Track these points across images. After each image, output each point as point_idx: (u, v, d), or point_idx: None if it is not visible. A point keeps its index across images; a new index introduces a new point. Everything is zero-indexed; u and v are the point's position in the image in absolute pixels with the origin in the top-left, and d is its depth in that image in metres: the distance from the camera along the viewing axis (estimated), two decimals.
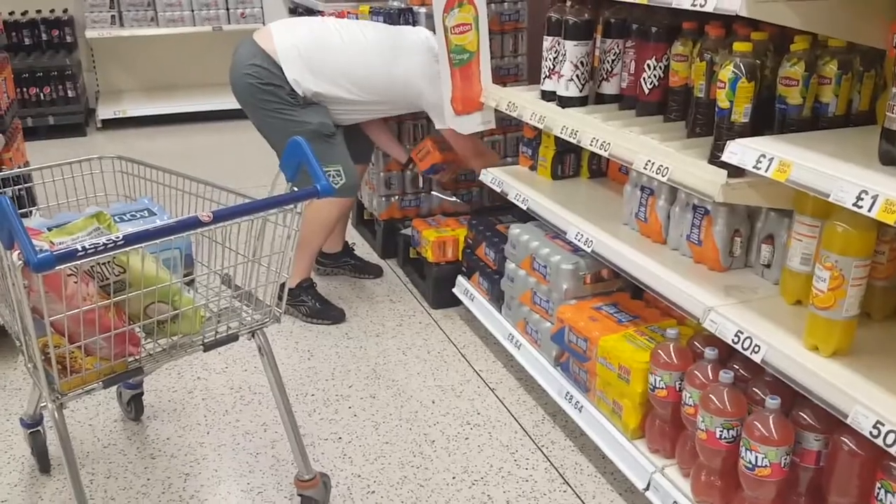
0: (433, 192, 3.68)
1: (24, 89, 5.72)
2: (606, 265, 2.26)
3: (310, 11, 5.10)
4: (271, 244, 1.83)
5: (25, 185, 2.25)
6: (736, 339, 1.70)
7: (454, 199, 3.68)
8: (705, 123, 1.97)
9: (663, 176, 1.92)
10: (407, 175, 3.63)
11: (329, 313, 3.19)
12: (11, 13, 5.84)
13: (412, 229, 3.45)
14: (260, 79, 2.93)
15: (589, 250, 2.28)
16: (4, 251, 1.40)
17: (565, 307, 2.36)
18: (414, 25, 3.46)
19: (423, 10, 3.41)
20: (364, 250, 3.84)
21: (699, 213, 2.04)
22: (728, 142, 1.67)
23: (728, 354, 1.87)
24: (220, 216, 1.53)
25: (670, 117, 2.19)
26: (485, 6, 2.82)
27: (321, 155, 2.97)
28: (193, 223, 1.48)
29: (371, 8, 3.51)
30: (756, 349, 1.65)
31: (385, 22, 3.44)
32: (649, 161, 1.97)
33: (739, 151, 1.63)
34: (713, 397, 1.73)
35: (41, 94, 5.84)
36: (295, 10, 5.73)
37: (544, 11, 2.57)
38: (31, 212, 2.41)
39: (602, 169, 2.86)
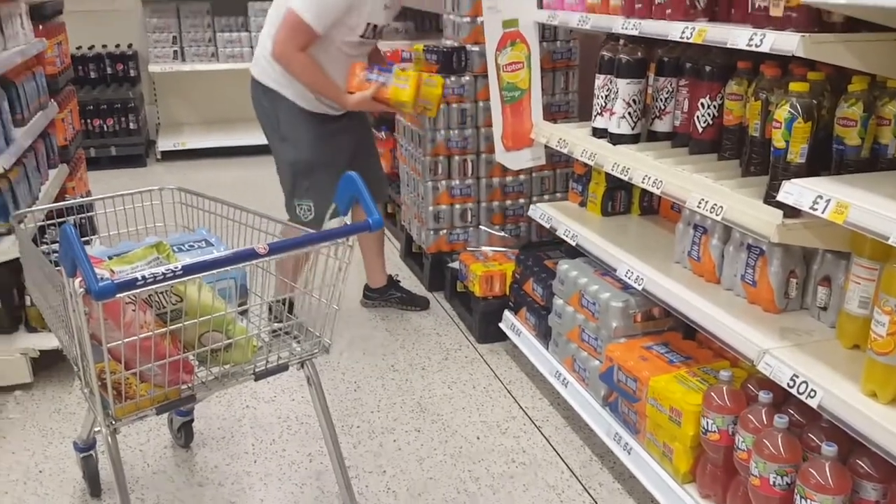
0: (481, 227, 3.69)
1: (89, 121, 5.94)
2: (658, 304, 2.23)
3: None
4: (322, 275, 1.86)
5: (87, 213, 2.32)
6: (791, 383, 1.66)
7: (502, 233, 3.68)
8: (760, 162, 1.95)
9: (717, 215, 1.89)
10: (455, 209, 3.65)
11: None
12: (79, 48, 6.09)
13: (460, 263, 3.46)
14: (256, 109, 3.07)
15: (640, 288, 2.26)
16: (67, 278, 1.44)
17: (615, 346, 2.33)
18: (466, 65, 3.51)
19: (475, 48, 3.46)
20: (412, 283, 3.86)
21: (754, 253, 2.01)
22: (784, 182, 1.64)
23: (783, 398, 1.82)
24: (275, 248, 1.56)
25: (724, 156, 2.17)
26: (537, 45, 2.85)
27: (295, 188, 3.03)
28: (250, 255, 1.51)
29: (425, 46, 3.57)
30: (812, 394, 1.61)
31: (438, 61, 3.50)
32: (703, 199, 1.95)
33: (795, 192, 1.61)
34: (767, 442, 1.69)
35: (104, 126, 6.06)
36: None
37: (596, 50, 2.58)
38: (91, 240, 2.49)
39: (654, 206, 2.83)
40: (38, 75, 3.57)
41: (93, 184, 4.58)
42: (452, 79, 3.51)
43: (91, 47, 6.27)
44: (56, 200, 3.54)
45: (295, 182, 3.05)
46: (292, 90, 2.97)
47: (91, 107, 5.97)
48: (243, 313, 1.89)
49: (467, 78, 3.52)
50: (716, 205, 1.90)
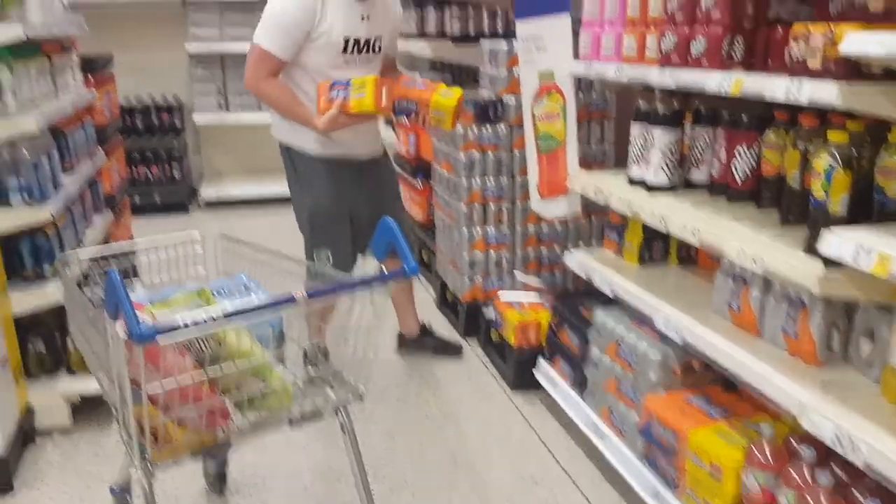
0: (516, 274, 3.69)
1: (135, 169, 6.12)
2: (697, 356, 2.19)
3: None
4: (358, 322, 1.86)
5: (130, 259, 2.38)
6: (835, 440, 1.61)
7: (538, 281, 3.67)
8: (800, 213, 1.93)
9: (757, 265, 1.87)
10: (491, 256, 3.66)
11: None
12: (127, 98, 6.29)
13: (494, 311, 3.46)
14: (282, 160, 3.11)
15: (678, 339, 2.23)
16: (109, 322, 1.47)
17: (653, 398, 2.29)
18: (502, 116, 3.55)
19: (512, 99, 3.51)
20: (446, 330, 3.85)
21: (795, 304, 1.97)
22: (824, 233, 1.62)
23: (826, 454, 1.77)
24: (313, 295, 1.58)
25: (763, 205, 2.15)
26: (573, 96, 2.87)
27: (313, 237, 2.98)
28: (288, 301, 1.53)
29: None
30: (857, 451, 1.56)
31: (475, 112, 3.55)
32: (742, 249, 1.93)
33: (836, 243, 1.59)
34: (811, 500, 1.64)
35: (149, 174, 6.23)
36: None
37: (632, 100, 2.60)
38: (134, 284, 2.53)
39: (692, 255, 2.81)
40: (88, 125, 3.69)
41: (136, 230, 4.68)
42: (488, 128, 3.56)
43: (139, 98, 6.48)
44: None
45: (312, 231, 3.05)
46: (301, 138, 2.97)
47: (137, 155, 6.15)
48: (280, 359, 1.91)
49: (503, 128, 3.57)
50: (755, 255, 1.88)
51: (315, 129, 2.84)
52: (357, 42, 2.89)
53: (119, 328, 1.40)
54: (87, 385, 2.97)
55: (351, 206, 3.04)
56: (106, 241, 3.83)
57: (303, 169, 3.02)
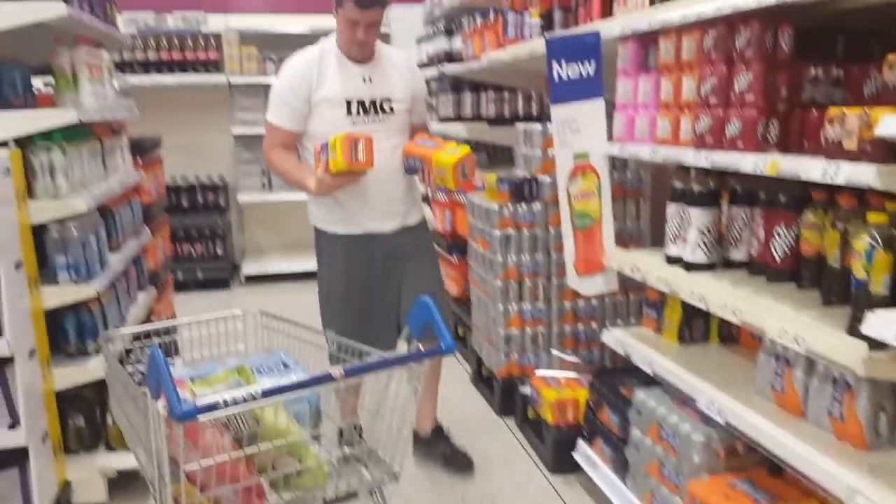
0: (553, 351, 3.66)
1: (179, 246, 6.27)
2: (741, 438, 2.14)
3: None
4: (394, 400, 1.86)
5: (172, 335, 2.41)
6: None
7: (575, 358, 3.64)
8: (841, 293, 1.91)
9: (800, 346, 1.84)
10: (527, 332, 3.64)
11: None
12: (174, 178, 6.51)
13: (531, 388, 3.42)
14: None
15: (722, 421, 2.18)
16: (151, 399, 1.50)
17: (697, 482, 2.23)
18: (537, 194, 3.59)
19: (547, 178, 3.56)
20: (481, 407, 3.80)
21: (839, 386, 1.92)
22: (867, 313, 1.60)
23: None
24: (350, 372, 1.59)
25: (803, 285, 2.13)
26: (608, 175, 2.91)
27: (322, 316, 2.98)
28: (326, 379, 1.54)
29: (497, 177, 3.69)
30: None
31: (510, 190, 3.60)
32: (784, 330, 1.90)
33: (880, 324, 1.56)
34: None
35: (193, 251, 6.38)
36: None
37: (666, 178, 2.62)
38: (175, 361, 2.57)
39: (733, 334, 2.77)
40: (135, 204, 3.81)
41: (178, 306, 4.77)
42: (524, 206, 3.60)
43: (185, 178, 6.69)
44: (143, 322, 3.69)
45: (322, 309, 3.03)
46: (317, 216, 3.00)
47: (182, 233, 6.32)
48: (316, 438, 1.90)
49: (538, 206, 3.60)
50: (797, 335, 1.85)
51: (309, 192, 2.86)
52: (361, 103, 2.87)
53: (160, 406, 1.42)
54: (124, 460, 2.98)
55: (372, 285, 2.97)
56: (149, 316, 3.90)
57: (322, 245, 3.04)
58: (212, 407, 1.38)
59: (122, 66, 6.08)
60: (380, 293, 2.99)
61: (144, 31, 6.28)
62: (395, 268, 3.01)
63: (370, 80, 2.88)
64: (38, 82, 2.95)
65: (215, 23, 6.49)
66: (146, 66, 6.33)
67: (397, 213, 3.00)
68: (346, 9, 2.75)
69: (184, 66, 6.36)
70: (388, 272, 2.99)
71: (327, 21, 6.60)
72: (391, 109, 2.92)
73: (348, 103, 2.85)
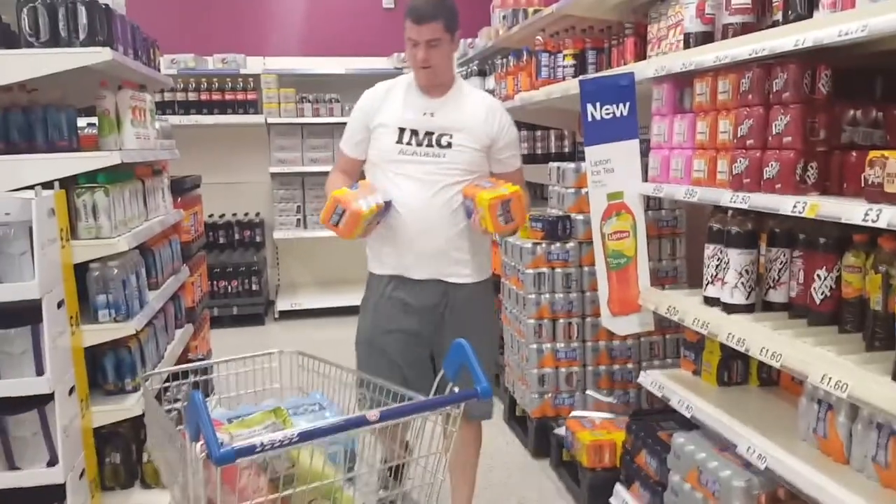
0: (588, 392, 3.62)
1: (215, 282, 6.35)
2: (783, 484, 2.09)
3: None
4: (429, 443, 1.85)
5: (208, 374, 2.44)
6: None
7: (610, 399, 3.59)
8: (885, 337, 1.86)
9: (842, 392, 1.80)
10: (560, 372, 3.60)
11: None
12: (211, 216, 6.62)
13: (566, 430, 3.38)
14: None
15: (762, 467, 2.13)
16: (189, 442, 1.51)
17: None
18: (570, 233, 3.58)
19: (580, 217, 3.55)
20: (515, 447, 3.76)
21: (884, 433, 1.87)
22: None
23: None
24: (385, 416, 1.58)
25: (845, 328, 2.08)
26: (643, 215, 2.90)
27: (357, 361, 2.72)
28: (361, 422, 1.54)
29: (530, 216, 3.70)
30: None
31: (544, 228, 3.60)
32: (826, 375, 1.86)
33: None
34: None
35: (229, 287, 6.46)
36: None
37: (702, 216, 2.60)
38: (211, 400, 2.58)
39: (773, 377, 2.72)
40: (174, 242, 3.88)
41: (213, 341, 4.81)
42: (557, 245, 3.59)
43: (222, 216, 6.80)
44: (179, 359, 3.74)
45: (357, 353, 2.80)
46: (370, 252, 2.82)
47: (218, 269, 6.40)
48: (350, 480, 1.89)
49: (572, 244, 3.60)
50: (840, 381, 1.81)
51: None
52: (415, 133, 2.65)
53: (199, 448, 1.43)
54: (159, 498, 2.99)
55: (403, 331, 2.71)
56: (185, 353, 3.94)
57: (368, 284, 2.85)
58: (249, 450, 1.38)
59: (164, 107, 6.24)
60: (412, 345, 2.73)
61: (185, 72, 6.45)
62: (429, 324, 2.71)
63: (432, 115, 2.67)
64: (81, 122, 3.03)
65: (253, 65, 6.66)
66: (187, 107, 6.49)
67: (436, 263, 2.66)
68: (406, 27, 2.63)
69: (223, 107, 6.52)
70: (421, 325, 2.71)
71: (361, 63, 6.81)
72: (448, 145, 2.64)
73: (401, 131, 2.67)
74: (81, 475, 2.75)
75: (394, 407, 1.69)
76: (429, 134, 2.66)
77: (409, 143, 2.66)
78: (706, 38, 2.51)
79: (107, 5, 2.97)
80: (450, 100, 2.71)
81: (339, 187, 2.62)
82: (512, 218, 2.47)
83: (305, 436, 1.46)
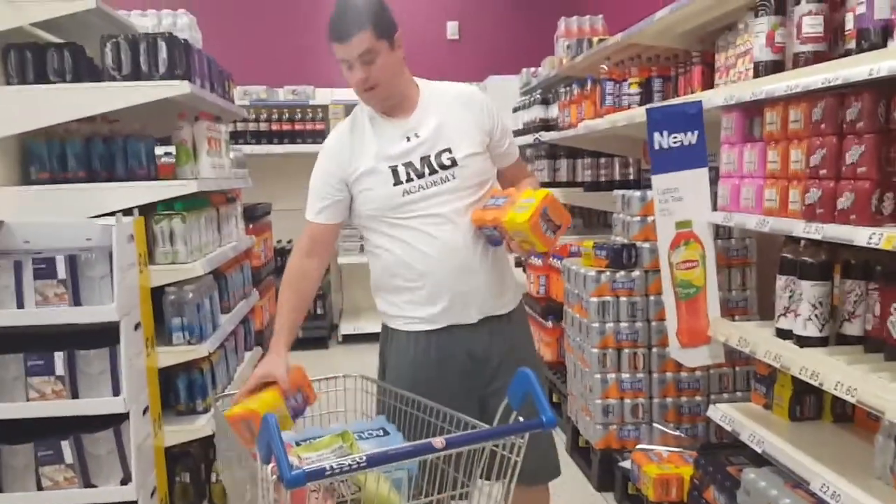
0: (654, 424, 3.55)
1: None
2: None
3: None
4: (495, 471, 1.84)
5: None
6: None
7: (678, 432, 3.52)
8: None
9: None
10: (626, 403, 3.54)
11: None
12: (279, 241, 6.77)
13: (631, 462, 3.32)
14: None
15: None
16: (260, 464, 1.54)
17: None
18: (636, 261, 3.54)
19: (646, 245, 3.52)
20: (578, 479, 3.71)
21: None
22: None
23: None
24: (451, 443, 1.59)
25: None
26: (712, 245, 2.85)
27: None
28: (428, 449, 1.55)
29: (594, 243, 3.67)
30: None
31: (608, 257, 3.57)
32: None
33: None
34: None
35: None
36: None
37: (773, 246, 2.55)
38: None
39: (847, 413, 2.62)
40: (245, 267, 3.99)
41: None
42: (622, 273, 3.56)
43: (290, 241, 6.95)
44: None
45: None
46: (380, 302, 2.41)
47: None
48: None
49: (637, 273, 3.56)
50: None
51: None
52: (410, 166, 2.21)
53: (270, 470, 1.46)
54: None
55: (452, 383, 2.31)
56: None
57: (390, 345, 2.46)
58: (319, 473, 1.41)
59: (237, 136, 6.45)
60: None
61: (257, 103, 6.67)
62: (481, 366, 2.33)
63: (416, 135, 2.22)
64: (160, 151, 3.17)
65: (322, 96, 6.83)
66: (258, 137, 6.69)
67: (482, 300, 2.30)
68: (334, 51, 2.16)
69: (293, 136, 6.69)
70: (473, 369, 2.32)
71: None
72: (452, 162, 2.22)
73: (394, 171, 2.21)
74: (153, 493, 2.83)
75: (459, 435, 1.70)
76: (425, 159, 2.22)
77: (410, 180, 2.21)
78: (776, 66, 2.48)
79: (186, 40, 3.11)
80: (425, 109, 2.26)
81: (289, 308, 2.25)
82: (557, 224, 2.12)
83: (374, 461, 1.48)
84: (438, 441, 1.58)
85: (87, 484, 2.66)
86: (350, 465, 1.43)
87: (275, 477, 1.44)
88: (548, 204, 2.09)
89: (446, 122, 2.24)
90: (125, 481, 2.68)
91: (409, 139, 2.23)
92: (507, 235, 2.14)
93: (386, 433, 2.09)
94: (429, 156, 2.22)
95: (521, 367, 1.81)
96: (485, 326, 2.30)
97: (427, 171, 2.21)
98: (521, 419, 1.80)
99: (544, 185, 5.58)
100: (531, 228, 2.06)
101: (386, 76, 2.17)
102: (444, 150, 2.22)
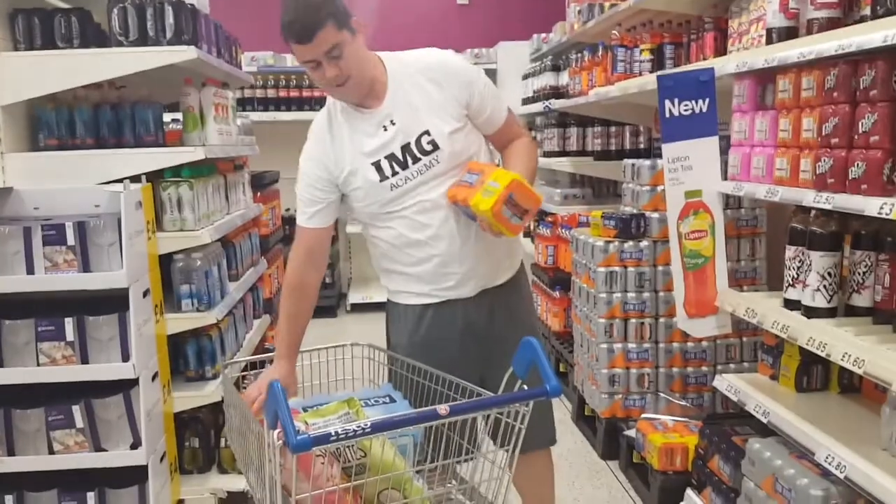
0: (660, 394, 3.56)
1: None
2: (862, 495, 2.02)
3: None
4: (499, 440, 1.86)
5: None
6: None
7: (684, 402, 3.53)
8: None
9: None
10: (632, 373, 3.55)
11: None
12: (288, 209, 6.76)
13: (637, 431, 3.33)
14: None
15: (842, 476, 2.06)
16: (267, 429, 1.56)
17: None
18: (645, 231, 3.52)
19: (655, 215, 3.50)
20: (583, 448, 3.73)
21: None
22: None
23: None
24: (455, 410, 1.60)
25: None
26: (721, 214, 2.83)
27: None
28: (432, 416, 1.56)
29: (603, 213, 3.66)
30: None
31: (617, 227, 3.55)
32: None
33: None
34: None
35: None
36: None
37: (783, 216, 2.53)
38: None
39: (854, 384, 2.62)
40: (253, 235, 3.99)
41: None
42: (630, 243, 3.54)
43: None
44: (257, 348, 3.85)
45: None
46: (381, 277, 2.40)
47: None
48: (419, 472, 1.92)
49: (646, 243, 3.54)
50: None
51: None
52: (392, 158, 2.15)
53: (276, 436, 1.48)
54: (234, 482, 3.10)
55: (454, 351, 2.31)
56: (263, 343, 4.06)
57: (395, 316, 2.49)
58: (324, 439, 1.42)
59: (244, 103, 6.42)
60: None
61: (265, 69, 6.62)
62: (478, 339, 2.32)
63: (392, 122, 2.15)
64: (167, 118, 3.16)
65: None
66: (266, 103, 6.66)
67: (483, 273, 2.28)
68: (295, 53, 2.09)
69: (300, 104, 6.65)
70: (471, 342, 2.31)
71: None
72: (434, 145, 2.15)
73: (377, 167, 2.15)
74: (162, 458, 2.87)
75: (464, 402, 1.71)
76: (406, 148, 2.15)
77: (395, 173, 2.15)
78: (790, 33, 2.44)
79: (192, 5, 3.08)
80: (395, 92, 2.16)
81: (289, 323, 2.27)
82: (525, 209, 2.03)
83: (378, 427, 1.49)
84: (442, 408, 1.59)
85: (98, 448, 2.69)
86: (355, 430, 1.44)
87: (281, 442, 1.46)
88: (513, 190, 2.01)
89: (419, 102, 2.15)
90: (135, 446, 2.71)
91: (385, 128, 2.16)
92: (477, 217, 2.10)
93: (392, 400, 2.10)
94: (409, 143, 2.15)
95: (524, 335, 1.81)
96: (483, 298, 2.29)
97: (410, 160, 2.15)
98: (525, 387, 1.81)
99: (553, 154, 5.57)
100: (494, 216, 2.01)
101: (356, 66, 2.09)
102: (423, 134, 2.15)
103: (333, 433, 1.43)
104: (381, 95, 2.16)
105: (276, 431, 1.47)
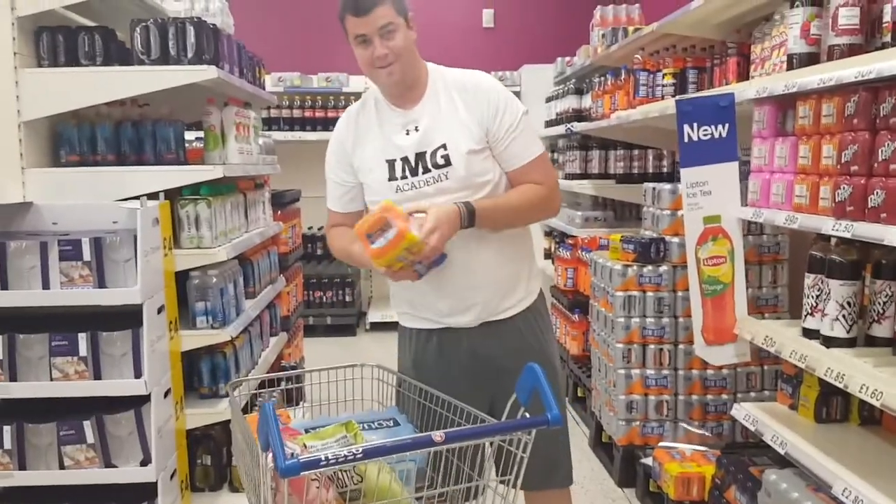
0: (678, 422, 3.49)
1: (310, 292, 6.54)
2: None
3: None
4: (500, 467, 1.82)
5: (298, 383, 2.49)
6: None
7: (702, 431, 3.45)
8: None
9: None
10: (650, 400, 3.49)
11: None
12: (310, 228, 6.81)
13: (653, 460, 3.26)
14: None
15: None
16: (261, 452, 1.54)
17: None
18: (664, 255, 3.47)
19: (675, 239, 3.45)
20: (599, 474, 3.67)
21: None
22: None
23: None
24: (451, 437, 1.57)
25: None
26: (741, 240, 2.78)
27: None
28: (427, 442, 1.53)
29: (622, 236, 3.61)
30: None
31: (636, 250, 3.51)
32: None
33: None
34: None
35: (324, 298, 6.65)
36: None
37: (805, 243, 2.47)
38: (299, 407, 2.63)
39: (875, 416, 2.54)
40: (272, 253, 4.01)
41: (306, 349, 4.93)
42: (650, 268, 3.49)
43: (321, 227, 6.98)
44: (273, 365, 3.85)
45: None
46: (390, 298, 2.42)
47: (314, 280, 6.59)
48: (419, 499, 1.89)
49: (665, 267, 3.49)
50: None
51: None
52: (406, 162, 2.13)
53: (268, 459, 1.46)
54: (245, 502, 3.06)
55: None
56: (279, 360, 4.06)
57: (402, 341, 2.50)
58: (314, 463, 1.40)
59: (270, 123, 6.48)
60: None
61: (291, 90, 6.69)
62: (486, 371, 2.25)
63: (416, 128, 2.14)
64: (189, 136, 3.19)
65: (356, 83, 6.80)
66: (291, 123, 6.72)
67: (483, 304, 2.20)
68: (348, 29, 2.10)
69: (326, 124, 6.70)
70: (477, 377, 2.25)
71: None
72: (446, 161, 2.10)
73: (390, 165, 2.15)
74: (173, 475, 2.86)
75: (461, 429, 1.68)
76: (420, 156, 2.12)
77: (404, 177, 2.13)
78: (811, 59, 2.40)
79: (214, 25, 3.12)
80: (430, 99, 2.15)
81: (349, 242, 2.20)
82: (426, 267, 2.03)
83: (370, 453, 1.46)
84: (438, 435, 1.56)
85: (108, 464, 2.70)
86: (346, 456, 1.42)
87: (271, 465, 1.44)
88: (377, 225, 1.92)
89: (446, 116, 2.12)
90: (145, 462, 2.71)
91: (408, 132, 2.14)
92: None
93: (396, 424, 2.07)
94: (425, 152, 2.12)
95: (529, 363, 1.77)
96: (486, 329, 2.21)
97: (421, 169, 2.12)
98: (527, 415, 1.77)
99: (575, 176, 5.53)
100: (373, 257, 1.98)
101: (405, 53, 2.09)
102: (440, 147, 2.11)
103: (324, 458, 1.40)
104: (417, 99, 2.16)
105: (269, 454, 1.46)
